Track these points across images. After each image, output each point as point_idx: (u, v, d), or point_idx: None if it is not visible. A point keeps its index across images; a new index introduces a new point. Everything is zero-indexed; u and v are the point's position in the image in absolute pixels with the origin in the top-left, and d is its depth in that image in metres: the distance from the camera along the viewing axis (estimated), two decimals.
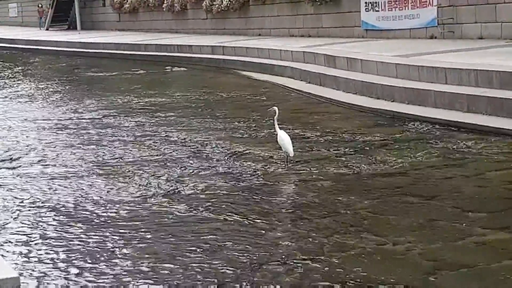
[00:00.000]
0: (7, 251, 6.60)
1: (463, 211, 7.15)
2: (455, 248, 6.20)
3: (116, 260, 6.30)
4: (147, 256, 6.35)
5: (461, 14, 18.30)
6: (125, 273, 6.01)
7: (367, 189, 8.06)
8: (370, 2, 21.14)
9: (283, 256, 6.21)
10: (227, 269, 5.98)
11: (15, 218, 7.63)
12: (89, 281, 5.87)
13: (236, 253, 6.33)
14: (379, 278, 5.64)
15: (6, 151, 11.04)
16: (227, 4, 27.55)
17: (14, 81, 22.42)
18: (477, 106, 11.41)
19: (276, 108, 9.38)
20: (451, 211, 7.18)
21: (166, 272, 5.98)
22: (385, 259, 6.03)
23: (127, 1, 36.06)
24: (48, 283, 5.87)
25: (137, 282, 5.81)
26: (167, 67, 24.00)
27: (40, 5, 46.58)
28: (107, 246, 6.68)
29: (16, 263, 6.27)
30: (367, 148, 10.06)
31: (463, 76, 12.51)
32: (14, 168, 9.93)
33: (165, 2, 32.26)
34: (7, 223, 7.44)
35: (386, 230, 6.71)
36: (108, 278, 5.91)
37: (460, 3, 18.26)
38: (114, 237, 6.92)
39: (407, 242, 6.38)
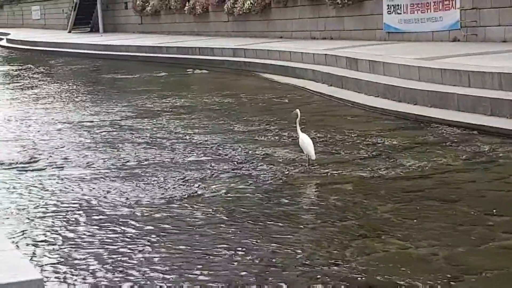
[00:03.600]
0: (32, 253, 6.62)
1: (487, 215, 7.09)
2: (479, 253, 6.15)
3: (140, 262, 6.30)
4: (169, 258, 6.35)
5: (484, 17, 18.17)
6: (148, 275, 6.01)
7: (389, 193, 8.01)
8: (393, 5, 21.06)
9: (305, 260, 6.19)
10: (249, 272, 5.97)
11: (39, 220, 7.66)
12: (114, 283, 5.88)
13: (257, 256, 6.31)
14: (403, 282, 5.60)
15: (28, 153, 11.10)
16: (248, 6, 27.56)
17: (35, 83, 22.56)
18: (501, 109, 11.31)
19: (298, 111, 9.36)
20: (474, 215, 7.13)
21: (188, 274, 5.98)
22: (409, 263, 5.99)
23: (149, 3, 36.23)
24: (72, 285, 5.88)
25: (160, 283, 5.82)
26: (188, 70, 24.05)
27: None
28: (131, 248, 6.69)
29: (40, 265, 6.30)
30: (389, 151, 10.01)
31: (486, 79, 12.42)
32: (36, 170, 9.99)
33: (186, 4, 32.35)
34: (31, 225, 7.48)
35: (409, 234, 6.66)
36: (132, 280, 5.92)
37: (483, 6, 18.14)
38: (137, 239, 6.93)
39: (430, 246, 6.34)
